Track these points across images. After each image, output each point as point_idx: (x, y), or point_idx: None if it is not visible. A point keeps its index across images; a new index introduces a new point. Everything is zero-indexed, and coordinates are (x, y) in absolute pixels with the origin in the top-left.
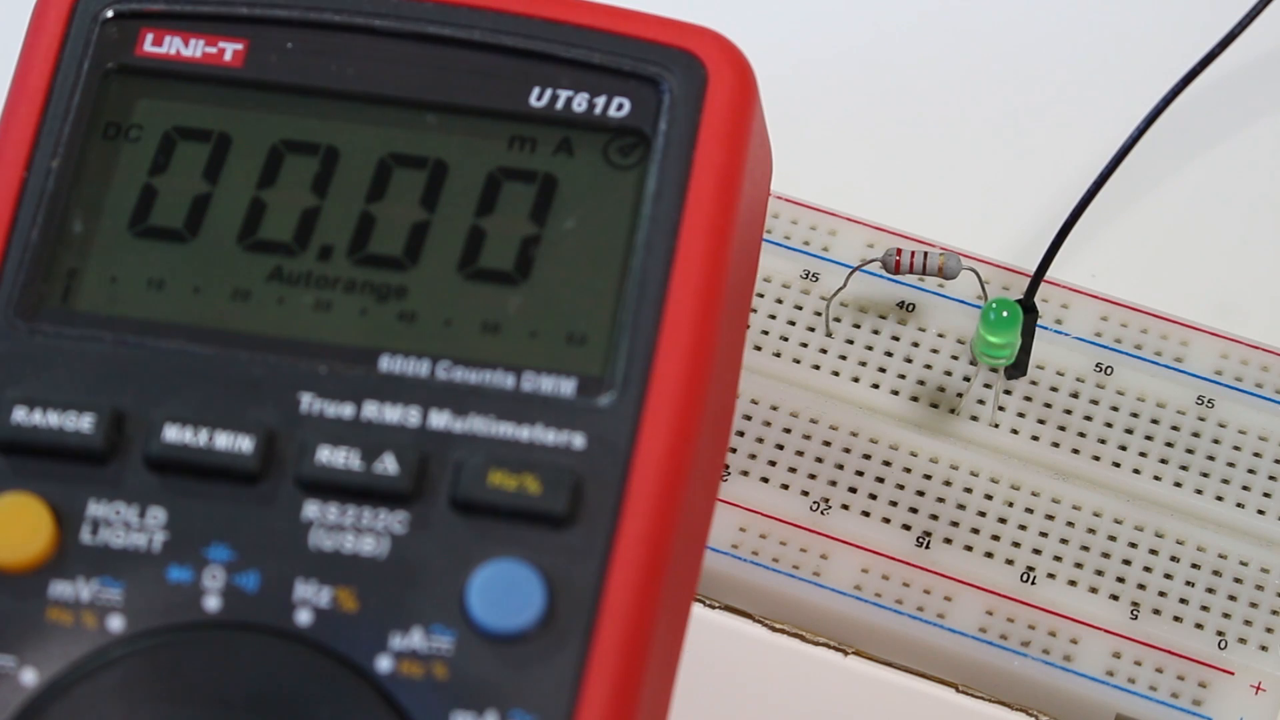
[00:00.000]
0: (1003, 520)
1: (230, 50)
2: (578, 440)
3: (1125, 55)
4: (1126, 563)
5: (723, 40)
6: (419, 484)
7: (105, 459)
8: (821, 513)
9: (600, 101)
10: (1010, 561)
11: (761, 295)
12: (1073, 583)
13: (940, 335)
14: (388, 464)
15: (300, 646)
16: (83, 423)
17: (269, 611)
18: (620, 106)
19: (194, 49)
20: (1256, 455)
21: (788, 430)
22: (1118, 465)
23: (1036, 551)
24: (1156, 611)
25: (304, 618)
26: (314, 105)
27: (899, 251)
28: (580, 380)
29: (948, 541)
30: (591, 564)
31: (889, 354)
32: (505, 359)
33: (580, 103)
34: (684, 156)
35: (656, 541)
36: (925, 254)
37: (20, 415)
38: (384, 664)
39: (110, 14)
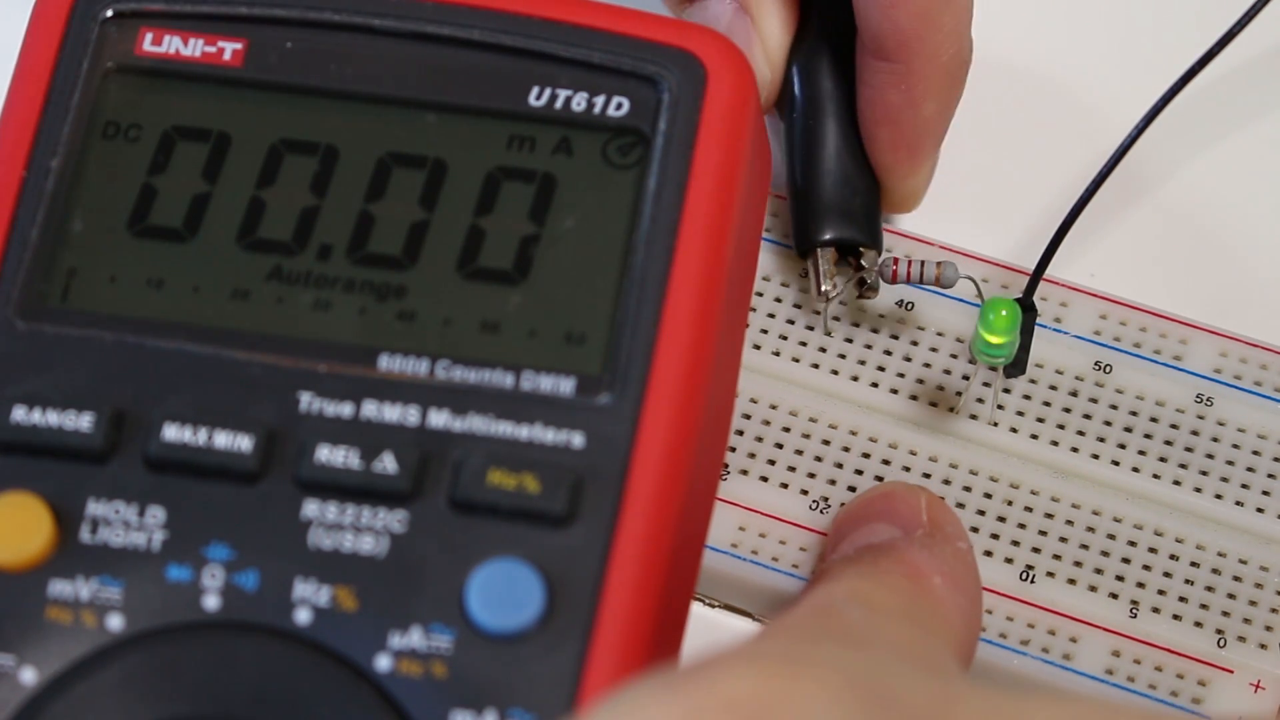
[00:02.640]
0: (1002, 519)
1: (230, 50)
2: (577, 439)
3: (1124, 54)
4: (1125, 561)
5: (722, 40)
6: (418, 483)
7: (105, 458)
8: (821, 511)
9: (599, 101)
10: (1009, 560)
11: (761, 294)
12: (1072, 581)
13: (939, 334)
14: (387, 463)
15: (299, 645)
16: (82, 422)
17: (268, 610)
18: (619, 106)
19: (193, 48)
20: (1255, 453)
21: (787, 429)
22: (1117, 464)
23: (1036, 550)
24: (1156, 610)
25: (303, 616)
26: (313, 105)
27: (895, 261)
28: (579, 379)
29: None
30: (590, 563)
31: (888, 353)
32: (504, 358)
33: (579, 102)
34: (683, 156)
35: (656, 540)
36: (922, 263)
37: (20, 414)
38: (383, 663)
39: (110, 14)
